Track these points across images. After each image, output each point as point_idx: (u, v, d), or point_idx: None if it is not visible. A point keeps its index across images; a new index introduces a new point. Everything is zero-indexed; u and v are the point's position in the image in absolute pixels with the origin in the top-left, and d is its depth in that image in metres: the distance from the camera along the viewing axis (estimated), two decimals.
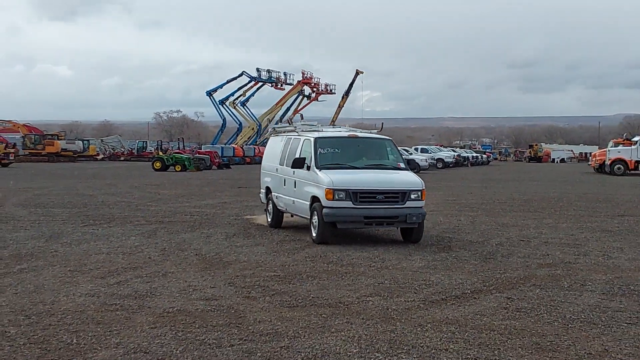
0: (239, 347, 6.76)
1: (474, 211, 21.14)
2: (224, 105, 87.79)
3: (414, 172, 14.72)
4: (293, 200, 14.91)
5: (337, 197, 13.06)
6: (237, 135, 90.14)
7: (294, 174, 14.75)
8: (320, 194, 13.34)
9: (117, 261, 11.47)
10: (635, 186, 37.27)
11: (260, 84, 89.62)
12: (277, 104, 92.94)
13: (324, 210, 13.09)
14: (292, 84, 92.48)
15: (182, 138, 75.03)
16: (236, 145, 79.17)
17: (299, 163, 14.22)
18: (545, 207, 22.93)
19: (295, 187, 14.81)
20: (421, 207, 13.55)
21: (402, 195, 13.37)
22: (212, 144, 79.00)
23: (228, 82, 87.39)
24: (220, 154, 63.27)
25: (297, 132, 15.69)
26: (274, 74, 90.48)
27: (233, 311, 8.19)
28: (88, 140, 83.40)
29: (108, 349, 6.66)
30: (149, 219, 17.79)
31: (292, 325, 7.60)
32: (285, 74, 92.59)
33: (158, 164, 50.68)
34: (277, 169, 16.17)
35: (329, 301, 8.77)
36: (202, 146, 76.20)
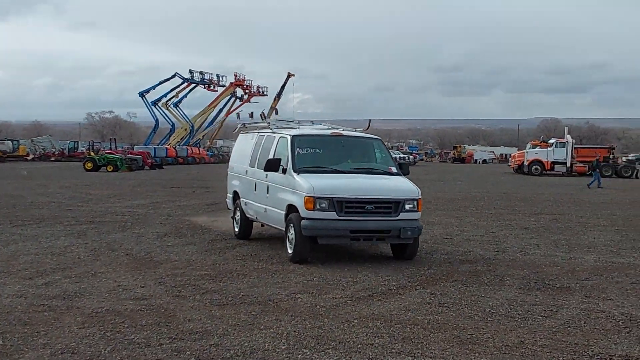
0: (168, 346, 6.83)
1: None
2: (156, 106, 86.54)
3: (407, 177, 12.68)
4: (265, 208, 12.92)
5: (318, 206, 11.10)
6: (170, 136, 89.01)
7: (266, 177, 12.73)
8: (298, 202, 11.38)
9: (45, 262, 11.31)
10: (551, 186, 38.71)
11: (193, 85, 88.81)
12: (209, 105, 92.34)
13: (303, 222, 11.16)
14: (225, 86, 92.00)
15: (114, 138, 73.50)
16: (169, 146, 78.20)
17: (273, 165, 12.17)
18: (468, 206, 23.62)
19: (268, 193, 12.81)
20: (417, 220, 11.74)
21: (395, 205, 11.48)
22: (145, 145, 77.72)
23: (161, 83, 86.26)
24: (152, 155, 62.39)
25: (271, 129, 13.60)
26: (206, 76, 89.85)
27: (163, 310, 8.23)
28: (18, 141, 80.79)
29: (35, 350, 6.63)
30: (79, 219, 17.49)
31: (221, 323, 7.70)
32: (218, 75, 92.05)
33: (89, 165, 49.54)
34: (246, 171, 14.18)
35: (258, 299, 8.90)
36: (135, 147, 74.88)
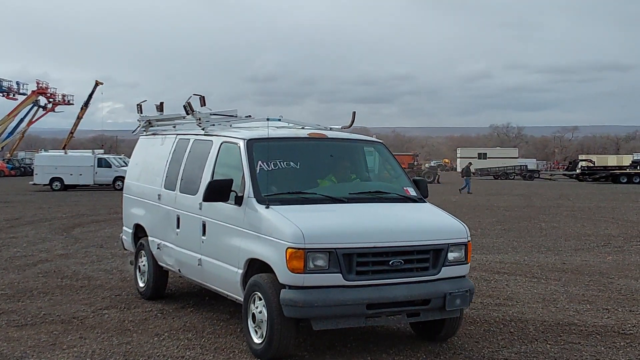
0: None
1: None
2: None
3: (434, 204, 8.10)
4: (199, 260, 8.10)
5: (312, 264, 6.54)
6: None
7: (200, 209, 8.08)
8: (273, 257, 6.72)
9: None
10: None
11: None
12: (9, 114, 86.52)
13: (285, 294, 6.56)
14: (26, 94, 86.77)
15: None
16: None
17: (219, 191, 7.36)
18: None
19: (204, 234, 8.02)
20: (465, 277, 7.35)
21: (434, 254, 7.05)
22: None
23: None
24: None
25: (202, 129, 8.65)
26: (5, 83, 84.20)
27: None
28: None
29: None
30: None
31: (19, 345, 7.19)
32: (18, 83, 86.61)
33: None
34: (159, 196, 9.32)
35: (61, 317, 8.42)
36: None
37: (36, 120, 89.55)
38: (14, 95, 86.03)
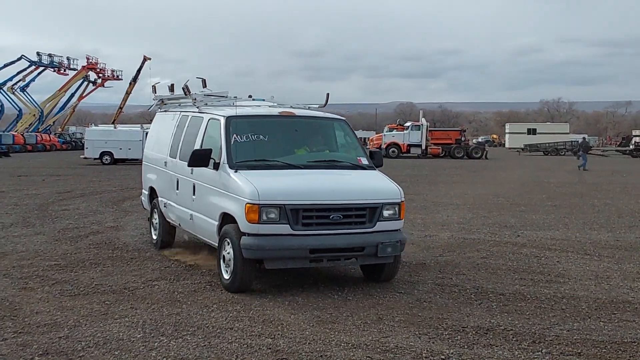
0: (13, 341, 6.39)
1: None
2: (1, 91, 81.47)
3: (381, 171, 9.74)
4: (191, 215, 9.82)
5: (265, 217, 8.06)
6: (17, 122, 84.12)
7: (192, 173, 9.66)
8: (236, 211, 8.29)
9: None
10: (407, 167, 39.99)
11: (41, 68, 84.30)
12: (60, 89, 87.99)
13: (244, 239, 8.10)
14: (77, 70, 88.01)
15: None
16: (16, 133, 73.86)
17: (200, 158, 8.97)
18: None
19: (194, 193, 9.68)
20: (399, 230, 8.86)
21: (370, 211, 8.54)
22: None
23: (5, 66, 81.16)
24: None
25: (197, 108, 10.25)
26: (56, 59, 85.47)
27: (8, 304, 7.70)
28: None
29: None
30: None
31: (72, 314, 7.31)
32: (68, 58, 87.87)
33: None
34: (165, 163, 11.00)
35: (113, 288, 8.54)
36: None
37: (86, 95, 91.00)
38: (64, 70, 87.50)
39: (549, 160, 54.68)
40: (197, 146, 9.58)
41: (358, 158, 9.60)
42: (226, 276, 8.52)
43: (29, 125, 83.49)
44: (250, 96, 10.81)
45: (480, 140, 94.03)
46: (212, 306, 7.72)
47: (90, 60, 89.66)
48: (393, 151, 57.38)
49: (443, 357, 6.20)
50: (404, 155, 57.33)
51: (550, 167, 42.24)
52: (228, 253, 8.44)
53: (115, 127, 45.04)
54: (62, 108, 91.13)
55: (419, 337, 6.74)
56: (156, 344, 6.39)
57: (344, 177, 9.13)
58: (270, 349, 6.31)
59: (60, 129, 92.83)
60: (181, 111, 10.99)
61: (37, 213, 16.01)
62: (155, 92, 12.04)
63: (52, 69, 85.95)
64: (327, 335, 6.73)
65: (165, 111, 11.96)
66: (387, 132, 60.98)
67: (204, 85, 10.88)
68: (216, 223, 8.84)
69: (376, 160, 9.75)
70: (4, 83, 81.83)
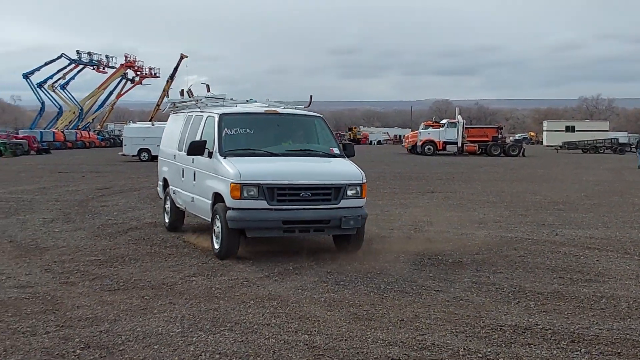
0: (55, 334, 6.52)
1: None
2: (42, 89, 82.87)
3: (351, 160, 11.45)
4: (192, 197, 11.65)
5: (246, 194, 9.77)
6: (57, 120, 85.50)
7: (193, 162, 11.47)
8: (224, 190, 10.04)
9: None
10: (443, 165, 39.78)
11: (81, 66, 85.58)
12: (99, 87, 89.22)
13: (229, 212, 9.85)
14: (115, 67, 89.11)
15: None
16: (56, 130, 75.07)
17: (197, 148, 10.87)
18: None
19: (194, 180, 11.51)
20: (361, 207, 10.53)
21: (335, 191, 10.22)
22: (31, 129, 74.34)
23: (46, 64, 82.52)
24: (39, 139, 59.66)
25: (199, 108, 12.24)
26: (95, 57, 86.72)
27: (49, 298, 7.86)
28: None
29: None
30: None
31: (112, 308, 7.43)
32: (107, 56, 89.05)
33: None
34: (174, 156, 12.82)
35: (151, 283, 8.66)
36: (20, 131, 71.47)
37: (124, 92, 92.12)
38: (103, 68, 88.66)
39: (588, 158, 53.91)
40: (197, 139, 11.35)
41: (330, 148, 11.34)
42: (216, 246, 10.30)
43: (69, 122, 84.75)
44: (252, 99, 12.62)
45: (517, 137, 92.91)
46: (249, 302, 7.78)
47: (129, 58, 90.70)
48: (429, 149, 57.09)
49: (480, 355, 6.18)
50: (440, 152, 56.99)
51: (589, 165, 41.65)
52: (217, 227, 10.21)
53: (152, 124, 45.53)
54: (101, 105, 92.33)
55: (456, 335, 6.72)
56: (194, 338, 6.47)
57: (315, 163, 10.84)
58: (307, 345, 6.35)
59: (99, 126, 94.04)
60: (188, 112, 12.90)
61: (77, 209, 16.29)
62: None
63: (92, 67, 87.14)
64: (363, 333, 6.74)
65: (176, 113, 13.86)
66: (422, 129, 60.65)
67: (208, 90, 13.62)
68: (209, 202, 10.62)
69: (348, 150, 11.52)
70: (45, 81, 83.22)
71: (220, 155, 10.46)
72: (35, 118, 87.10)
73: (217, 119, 10.98)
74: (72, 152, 57.81)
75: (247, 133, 11.05)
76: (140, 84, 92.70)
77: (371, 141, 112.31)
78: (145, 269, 9.53)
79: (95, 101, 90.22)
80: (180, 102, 13.75)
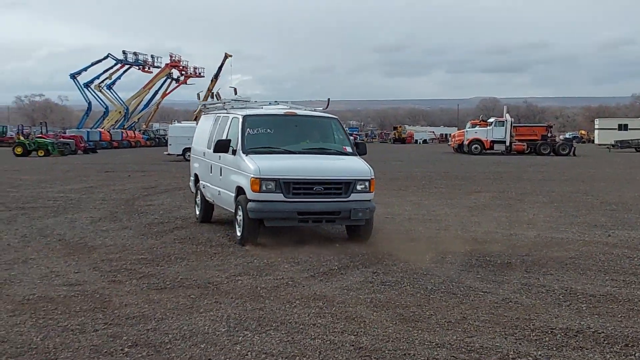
0: (103, 332, 6.58)
1: None
2: (89, 89, 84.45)
3: (363, 158, 12.29)
4: (219, 191, 12.70)
5: (264, 188, 10.83)
6: (104, 119, 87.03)
7: (219, 159, 12.49)
8: (245, 184, 11.10)
9: None
10: (490, 164, 39.29)
11: (127, 66, 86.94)
12: (144, 87, 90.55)
13: (249, 204, 10.87)
14: (160, 67, 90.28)
15: (45, 122, 71.40)
16: (103, 129, 76.42)
17: (222, 146, 11.90)
18: (409, 186, 23.75)
19: (221, 175, 12.55)
20: (369, 201, 11.48)
21: (345, 186, 11.23)
22: (78, 128, 75.87)
23: (93, 64, 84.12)
24: (86, 138, 60.83)
25: (226, 110, 13.43)
26: (140, 57, 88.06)
27: (98, 296, 7.95)
28: None
29: None
30: (9, 205, 16.86)
31: (159, 307, 7.48)
32: (152, 56, 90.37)
33: (19, 149, 48.14)
34: (204, 154, 13.89)
35: (197, 282, 8.69)
36: (67, 130, 73.00)
37: (169, 92, 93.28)
38: (149, 68, 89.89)
39: None
40: (223, 138, 12.33)
41: (344, 147, 12.30)
42: (239, 233, 11.38)
43: (115, 122, 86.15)
44: (275, 101, 13.63)
45: (567, 136, 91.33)
46: (294, 302, 7.75)
47: (174, 58, 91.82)
48: (476, 148, 56.46)
49: (531, 358, 6.03)
50: (487, 151, 56.29)
51: None
52: (239, 217, 11.30)
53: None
54: (147, 105, 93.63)
55: (505, 338, 6.58)
56: (240, 338, 6.46)
57: (328, 161, 11.80)
58: (353, 346, 6.28)
59: (144, 126, 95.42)
60: (216, 113, 13.95)
61: (123, 208, 16.51)
62: (199, 99, 15.70)
63: (137, 67, 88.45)
64: (410, 334, 6.65)
65: (207, 114, 15.02)
66: (469, 128, 60.02)
67: (235, 93, 15.33)
68: (233, 195, 11.67)
69: (360, 149, 12.48)
70: (92, 81, 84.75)
71: (243, 152, 11.51)
72: (82, 118, 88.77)
73: (241, 119, 12.03)
74: (118, 152, 58.78)
75: (268, 133, 12.07)
76: (185, 83, 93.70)
77: (417, 140, 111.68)
78: (191, 268, 9.58)
79: (141, 101, 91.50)
80: (210, 104, 15.15)
